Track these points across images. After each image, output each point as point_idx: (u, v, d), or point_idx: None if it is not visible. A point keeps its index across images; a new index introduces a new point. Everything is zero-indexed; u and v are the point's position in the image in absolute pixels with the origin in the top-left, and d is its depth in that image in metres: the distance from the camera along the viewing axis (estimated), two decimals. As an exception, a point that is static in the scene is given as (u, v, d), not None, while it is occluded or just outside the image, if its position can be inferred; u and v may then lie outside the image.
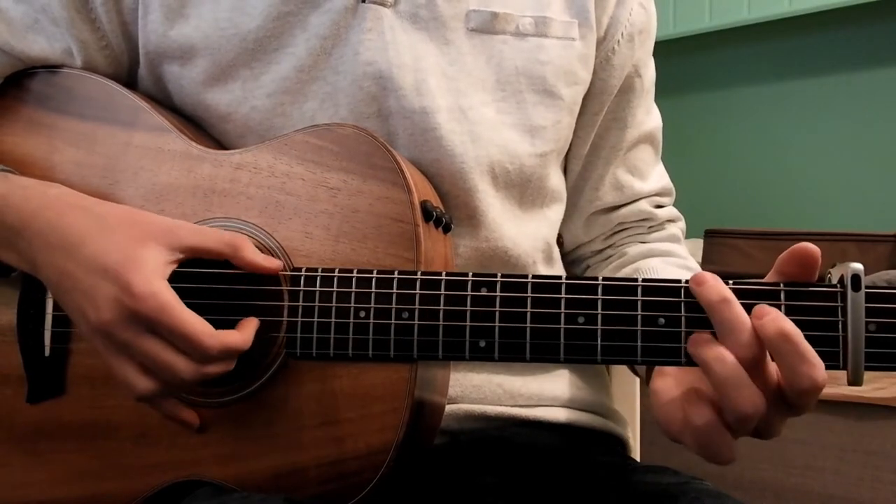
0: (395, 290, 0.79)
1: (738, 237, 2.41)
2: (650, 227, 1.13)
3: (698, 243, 2.40)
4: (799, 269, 0.73)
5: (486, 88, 0.95)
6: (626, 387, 1.26)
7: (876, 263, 2.19)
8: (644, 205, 1.12)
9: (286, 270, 0.82)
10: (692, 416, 0.73)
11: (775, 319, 0.70)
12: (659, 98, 1.14)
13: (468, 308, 0.77)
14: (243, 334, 0.79)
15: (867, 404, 1.80)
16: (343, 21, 0.91)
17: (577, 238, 1.14)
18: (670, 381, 0.80)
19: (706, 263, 2.26)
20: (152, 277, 0.76)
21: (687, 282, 0.74)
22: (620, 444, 1.07)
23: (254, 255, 0.80)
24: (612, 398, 1.12)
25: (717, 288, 0.71)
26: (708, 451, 0.73)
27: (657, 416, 0.78)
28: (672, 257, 1.09)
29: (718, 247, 2.39)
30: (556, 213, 1.07)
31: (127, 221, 0.80)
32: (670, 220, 1.15)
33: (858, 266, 0.70)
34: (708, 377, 0.71)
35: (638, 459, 1.12)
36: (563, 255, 1.17)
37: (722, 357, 0.70)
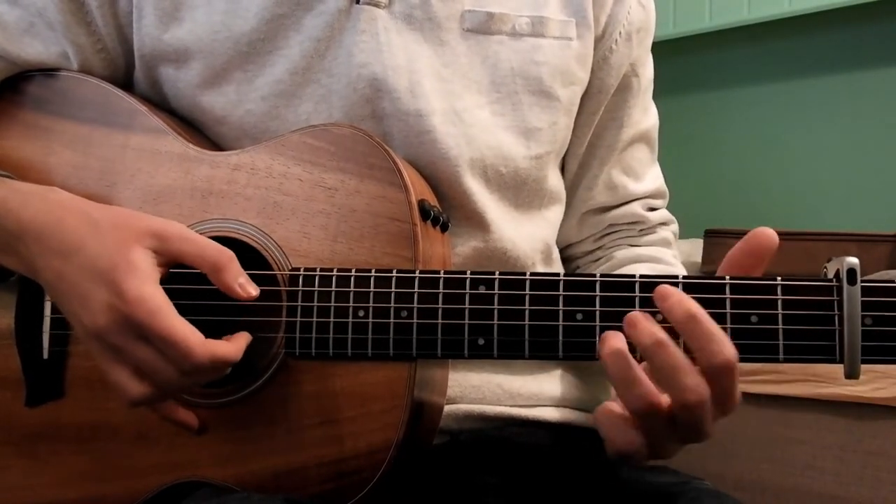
0: (393, 289, 0.79)
1: (737, 237, 2.39)
2: (641, 230, 1.13)
3: (698, 243, 2.39)
4: (752, 251, 0.75)
5: (481, 90, 0.95)
6: (626, 387, 1.26)
7: (876, 263, 2.19)
8: (636, 207, 1.11)
9: (284, 270, 0.82)
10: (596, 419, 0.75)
11: (681, 301, 0.71)
12: (658, 98, 1.14)
13: (466, 306, 0.77)
14: (234, 345, 0.79)
15: (867, 404, 1.80)
16: (337, 23, 0.91)
17: (569, 237, 1.13)
18: None
19: (706, 264, 2.25)
20: (144, 282, 0.76)
21: (685, 277, 0.74)
22: (620, 443, 1.07)
23: (231, 281, 0.79)
24: (611, 398, 1.12)
25: (648, 331, 0.71)
26: (608, 443, 0.75)
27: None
28: (660, 264, 1.08)
29: (718, 247, 2.39)
30: (555, 214, 1.06)
31: (118, 225, 0.79)
32: (662, 224, 1.14)
33: (854, 260, 0.70)
34: (650, 364, 0.72)
35: (638, 459, 1.12)
36: None
37: (662, 342, 0.70)
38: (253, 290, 0.80)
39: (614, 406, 0.74)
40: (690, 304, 0.71)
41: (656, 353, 0.70)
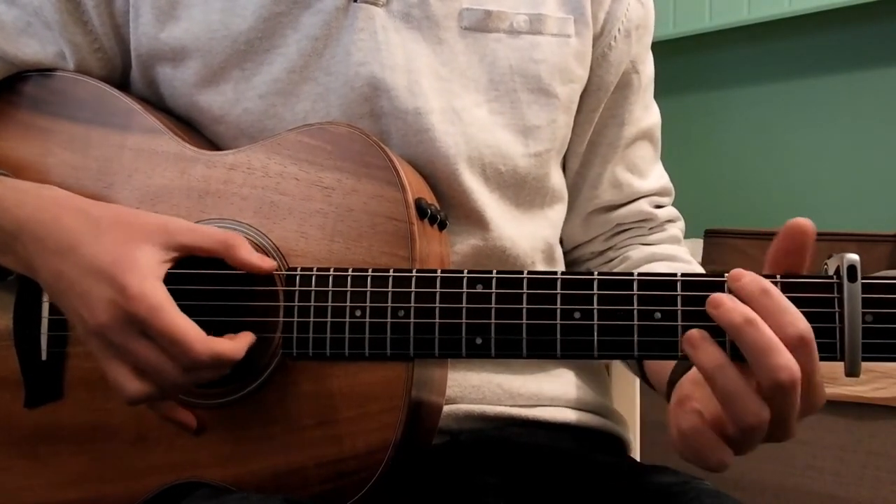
0: (390, 289, 0.78)
1: (737, 237, 2.41)
2: (650, 227, 1.12)
3: (698, 243, 2.40)
4: (792, 246, 0.71)
5: (479, 89, 0.94)
6: (626, 387, 1.26)
7: (876, 263, 2.20)
8: (643, 205, 1.11)
9: (281, 270, 0.81)
10: (679, 419, 0.71)
11: (754, 278, 0.69)
12: (658, 98, 1.13)
13: (464, 305, 0.77)
14: (236, 344, 0.78)
15: (867, 404, 1.80)
16: (335, 21, 0.91)
17: (576, 238, 1.13)
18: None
19: (706, 263, 2.27)
20: (146, 278, 0.75)
21: (684, 275, 0.73)
22: (620, 443, 1.07)
23: (248, 255, 0.79)
24: (611, 398, 1.12)
25: (737, 310, 0.68)
26: (696, 457, 0.71)
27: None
28: (676, 262, 1.08)
29: (718, 247, 2.39)
30: (557, 212, 1.06)
31: (120, 222, 0.79)
32: (670, 221, 1.14)
33: (854, 257, 0.70)
34: (710, 385, 0.69)
35: (638, 459, 1.12)
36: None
37: (723, 366, 0.68)
38: (270, 263, 0.80)
39: (700, 424, 0.70)
40: (762, 279, 0.69)
41: (747, 333, 0.67)
